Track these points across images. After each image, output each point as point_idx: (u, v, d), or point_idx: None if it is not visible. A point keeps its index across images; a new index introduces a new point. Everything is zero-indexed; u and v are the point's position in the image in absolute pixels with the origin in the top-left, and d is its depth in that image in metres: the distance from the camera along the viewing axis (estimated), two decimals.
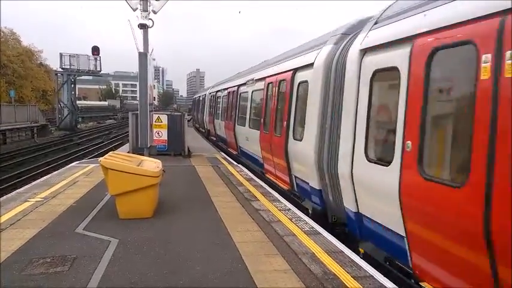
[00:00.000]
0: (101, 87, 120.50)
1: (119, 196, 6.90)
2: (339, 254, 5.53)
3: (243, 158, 14.74)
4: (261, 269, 4.95)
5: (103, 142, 30.36)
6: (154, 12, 10.87)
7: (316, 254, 5.50)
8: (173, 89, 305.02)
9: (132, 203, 6.90)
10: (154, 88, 14.21)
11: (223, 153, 16.72)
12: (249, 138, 12.98)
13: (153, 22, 10.73)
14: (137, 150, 13.31)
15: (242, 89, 15.12)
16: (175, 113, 17.58)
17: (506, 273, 3.44)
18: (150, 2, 10.25)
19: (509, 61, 3.41)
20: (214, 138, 23.07)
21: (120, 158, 7.46)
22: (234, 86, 16.65)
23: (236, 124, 15.28)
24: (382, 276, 4.88)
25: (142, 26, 10.32)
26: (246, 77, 14.91)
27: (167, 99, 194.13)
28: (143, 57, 9.60)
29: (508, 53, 3.42)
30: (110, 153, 7.73)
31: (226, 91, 18.76)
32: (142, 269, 4.88)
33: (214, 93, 23.11)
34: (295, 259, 5.30)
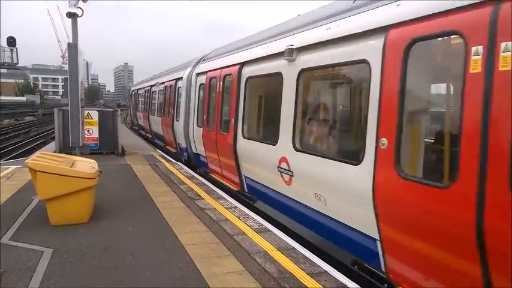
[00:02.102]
0: (17, 81, 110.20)
1: (50, 201, 6.24)
2: (291, 250, 5.49)
3: None
4: (215, 272, 4.74)
5: (22, 141, 27.74)
6: (84, 1, 10.08)
7: (268, 252, 5.40)
8: (99, 84, 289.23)
9: (66, 207, 6.29)
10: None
11: (159, 151, 16.07)
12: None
13: (82, 11, 9.95)
14: (65, 149, 12.32)
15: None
16: (107, 109, 16.56)
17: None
18: None
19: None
20: (212, 174, 10.69)
21: (49, 158, 6.77)
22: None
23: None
24: (336, 270, 4.93)
25: (71, 15, 9.50)
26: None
27: (93, 94, 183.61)
28: (73, 48, 8.82)
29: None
30: (38, 153, 6.99)
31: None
32: (84, 281, 4.42)
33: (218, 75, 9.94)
34: (249, 259, 5.16)
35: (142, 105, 25.31)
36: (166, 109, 16.27)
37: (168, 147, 16.82)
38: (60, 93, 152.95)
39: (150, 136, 22.04)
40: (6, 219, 6.41)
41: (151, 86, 21.30)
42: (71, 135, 9.11)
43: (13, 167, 10.95)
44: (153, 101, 20.71)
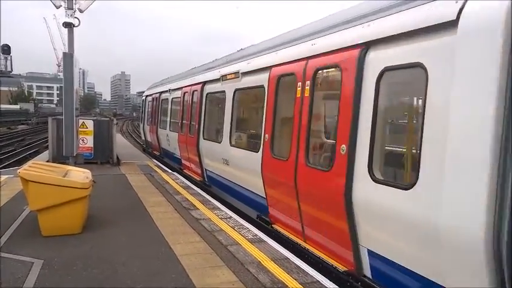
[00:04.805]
0: (11, 89, 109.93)
1: (42, 211, 6.17)
2: (284, 260, 5.46)
3: None
4: (208, 283, 4.70)
5: (15, 150, 27.55)
6: (81, 11, 10.10)
7: (262, 262, 5.37)
8: (95, 92, 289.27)
9: (58, 218, 6.22)
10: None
11: (155, 161, 16.02)
12: None
13: (79, 21, 9.96)
14: (58, 159, 12.27)
15: None
16: (103, 118, 16.54)
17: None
18: (75, 0, 9.49)
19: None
20: None
21: (42, 168, 6.71)
22: None
23: None
24: (328, 280, 4.90)
25: (68, 25, 9.49)
26: None
27: (89, 102, 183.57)
28: (69, 58, 8.83)
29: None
30: (31, 162, 6.93)
31: None
32: None
33: None
34: (242, 269, 5.12)
35: (180, 121, 13.66)
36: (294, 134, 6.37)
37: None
38: (55, 102, 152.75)
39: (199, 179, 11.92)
40: None
41: (204, 83, 11.41)
42: (65, 144, 9.06)
43: (5, 177, 10.85)
44: (216, 113, 11.17)
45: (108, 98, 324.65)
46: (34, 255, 5.36)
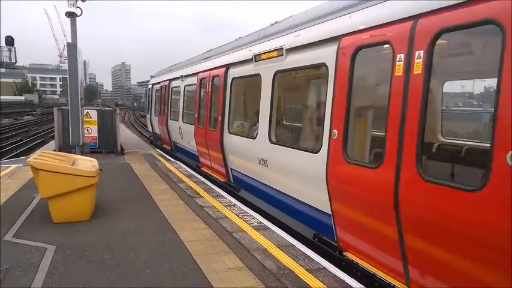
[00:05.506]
0: (15, 80, 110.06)
1: (52, 199, 6.33)
2: (290, 247, 5.58)
3: None
4: (215, 268, 4.83)
5: (22, 140, 27.78)
6: (83, 0, 10.16)
7: (268, 249, 5.49)
8: (97, 83, 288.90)
9: (68, 205, 6.38)
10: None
11: (158, 150, 16.16)
12: None
13: (81, 10, 10.02)
14: (65, 148, 12.42)
15: None
16: (106, 108, 16.66)
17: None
18: None
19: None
20: None
21: (51, 157, 6.85)
22: None
23: None
24: (334, 266, 5.02)
25: (70, 15, 9.56)
26: None
27: (91, 93, 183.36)
28: (72, 48, 8.90)
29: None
30: (39, 152, 7.07)
31: None
32: (86, 277, 4.51)
33: None
34: (248, 255, 5.25)
35: (196, 112, 11.62)
36: None
37: None
38: (58, 93, 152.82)
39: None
40: (9, 217, 6.51)
41: (229, 65, 9.48)
42: (71, 134, 9.20)
43: (14, 166, 11.02)
44: None
45: (110, 89, 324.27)
46: (46, 241, 5.53)
